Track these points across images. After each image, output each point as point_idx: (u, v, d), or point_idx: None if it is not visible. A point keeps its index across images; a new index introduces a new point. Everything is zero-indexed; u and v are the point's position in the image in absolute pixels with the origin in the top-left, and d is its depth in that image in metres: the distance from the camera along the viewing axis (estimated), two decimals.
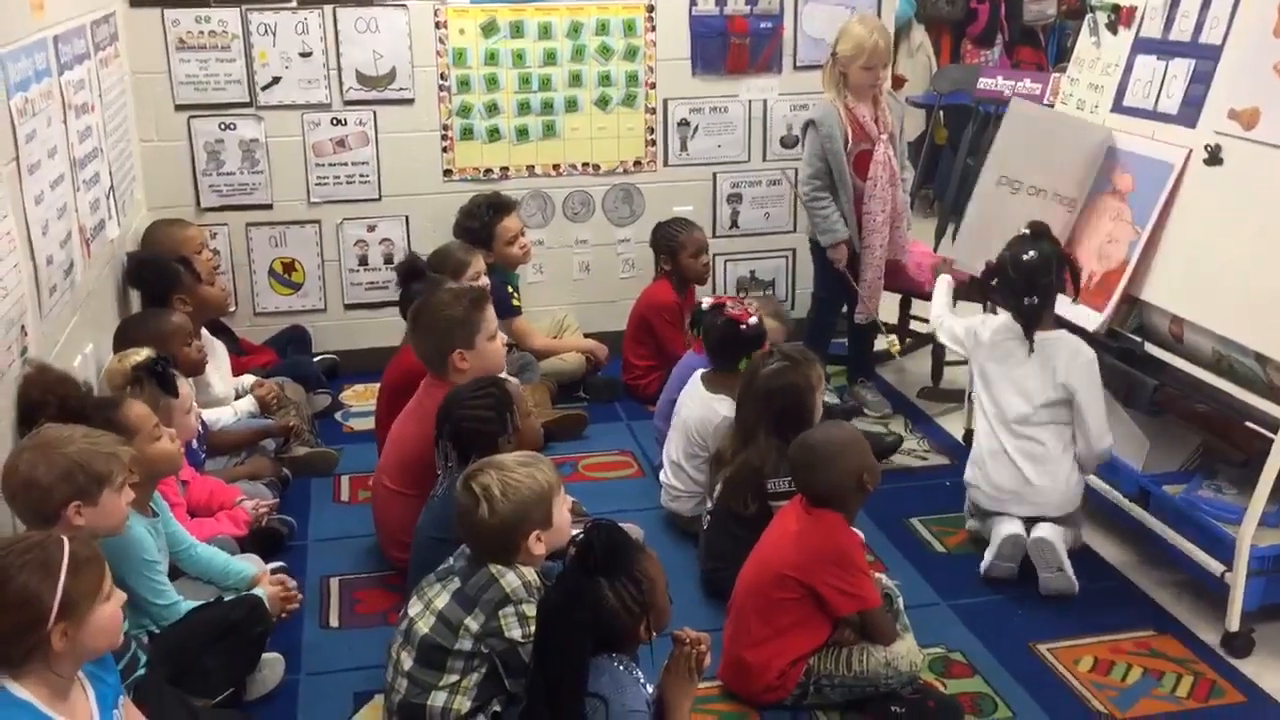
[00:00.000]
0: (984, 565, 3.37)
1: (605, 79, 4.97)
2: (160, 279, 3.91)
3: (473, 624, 2.52)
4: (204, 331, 4.03)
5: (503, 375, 3.51)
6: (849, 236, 4.32)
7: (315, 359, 4.86)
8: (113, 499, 2.46)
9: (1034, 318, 3.36)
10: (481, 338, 3.45)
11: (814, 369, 3.33)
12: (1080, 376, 3.32)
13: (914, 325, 5.17)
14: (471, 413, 3.06)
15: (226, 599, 2.88)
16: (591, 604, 2.24)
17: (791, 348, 3.43)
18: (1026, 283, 3.35)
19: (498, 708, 2.57)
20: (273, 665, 2.92)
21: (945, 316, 3.83)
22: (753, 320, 3.65)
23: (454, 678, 2.53)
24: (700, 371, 3.73)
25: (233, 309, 4.76)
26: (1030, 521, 3.33)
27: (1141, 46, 3.69)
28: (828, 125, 4.25)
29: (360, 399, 4.71)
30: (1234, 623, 3.07)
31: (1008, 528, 3.33)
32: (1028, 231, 3.42)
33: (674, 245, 4.70)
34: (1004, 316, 3.47)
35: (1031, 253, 3.35)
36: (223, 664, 2.74)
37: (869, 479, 2.88)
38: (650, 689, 2.40)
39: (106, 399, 2.97)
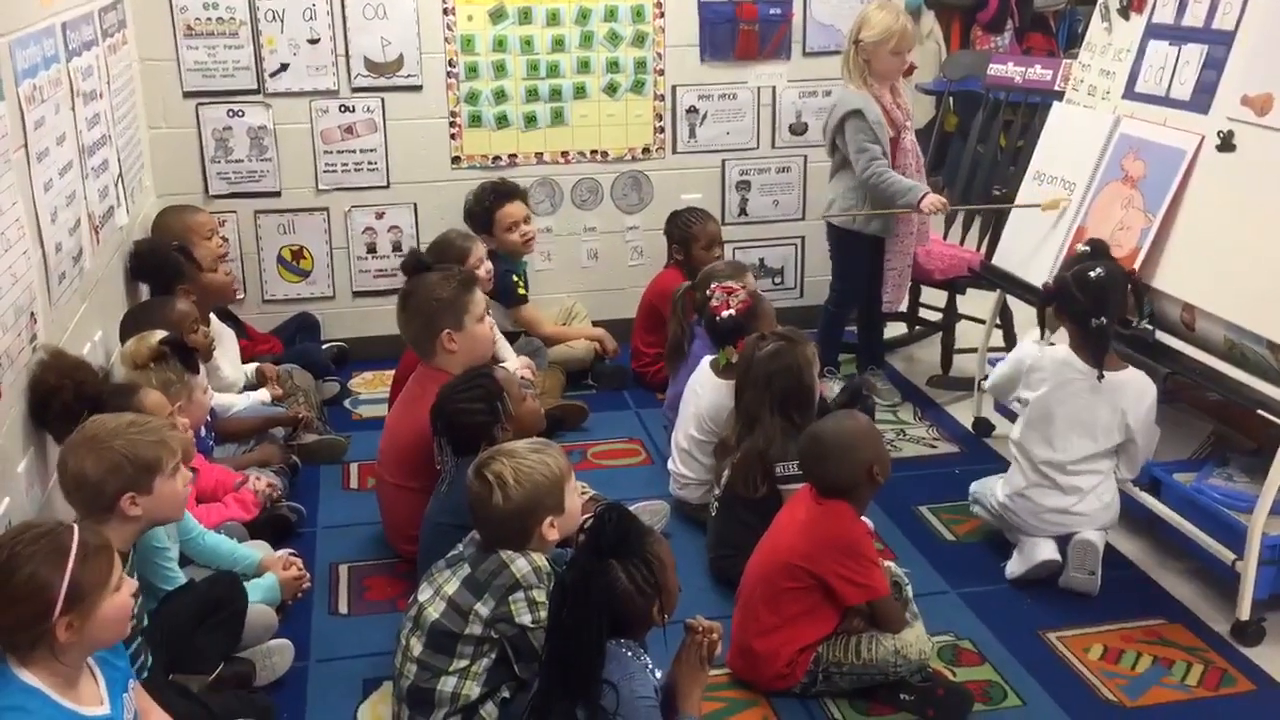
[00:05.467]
0: (1010, 574, 3.35)
1: (614, 65, 4.95)
2: (160, 271, 3.90)
3: (483, 609, 2.52)
4: (213, 318, 4.03)
5: (505, 362, 3.51)
6: (926, 188, 4.18)
7: (324, 346, 4.86)
8: (167, 485, 2.46)
9: (1103, 341, 3.21)
10: (470, 319, 3.46)
11: (808, 346, 3.34)
12: (1144, 419, 3.24)
13: (923, 313, 5.17)
14: (463, 406, 3.07)
15: (201, 576, 2.87)
16: (605, 585, 2.24)
17: (784, 329, 3.44)
18: (1095, 302, 3.19)
19: (507, 694, 2.58)
20: (282, 652, 2.92)
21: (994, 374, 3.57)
22: (727, 313, 3.64)
23: (464, 663, 2.53)
24: (709, 358, 3.73)
25: (241, 296, 4.77)
26: (1065, 536, 3.29)
27: (1154, 32, 3.66)
28: (874, 112, 4.16)
29: (369, 386, 4.71)
30: (1245, 611, 3.06)
31: (1044, 552, 3.27)
32: (1086, 248, 3.34)
33: (687, 236, 4.68)
34: (1063, 350, 3.30)
35: (1099, 270, 3.22)
36: (213, 640, 2.74)
37: (879, 471, 2.87)
38: (659, 675, 2.40)
39: (123, 386, 2.98)
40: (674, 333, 4.07)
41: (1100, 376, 3.21)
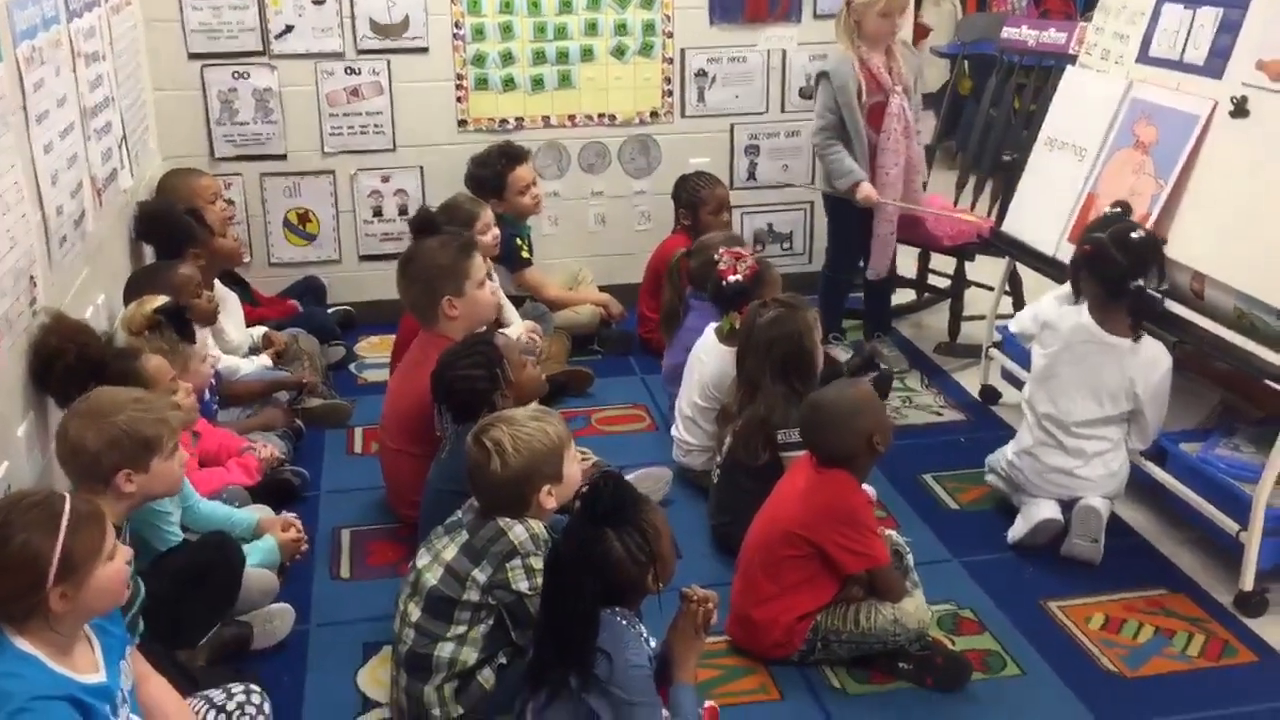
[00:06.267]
0: (1012, 538, 3.34)
1: (622, 28, 4.90)
2: (171, 235, 3.89)
3: (480, 576, 2.52)
4: (216, 282, 4.03)
5: (509, 326, 3.48)
6: (866, 176, 4.23)
7: (329, 310, 4.86)
8: (164, 466, 2.46)
9: (1141, 303, 3.17)
10: (470, 284, 3.46)
11: (809, 312, 3.33)
12: (1154, 389, 3.21)
13: (932, 279, 5.13)
14: (462, 374, 3.07)
15: (192, 539, 2.84)
16: (599, 553, 2.23)
17: (784, 295, 3.43)
18: (1136, 263, 3.16)
19: (504, 660, 2.58)
20: (283, 615, 2.94)
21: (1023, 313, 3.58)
22: (734, 278, 3.62)
23: (461, 629, 2.53)
24: (714, 325, 3.70)
25: (247, 260, 4.75)
26: (1069, 500, 3.28)
27: None
28: (841, 77, 4.18)
29: (375, 351, 4.71)
30: (1248, 582, 3.05)
31: (1045, 511, 3.27)
32: (1117, 210, 3.30)
33: (695, 200, 4.65)
34: (1081, 314, 3.27)
35: (1140, 231, 3.18)
36: (200, 610, 2.71)
37: (880, 440, 2.84)
38: (654, 644, 2.40)
39: (125, 349, 2.98)
40: (669, 300, 4.05)
41: (1138, 338, 3.19)
